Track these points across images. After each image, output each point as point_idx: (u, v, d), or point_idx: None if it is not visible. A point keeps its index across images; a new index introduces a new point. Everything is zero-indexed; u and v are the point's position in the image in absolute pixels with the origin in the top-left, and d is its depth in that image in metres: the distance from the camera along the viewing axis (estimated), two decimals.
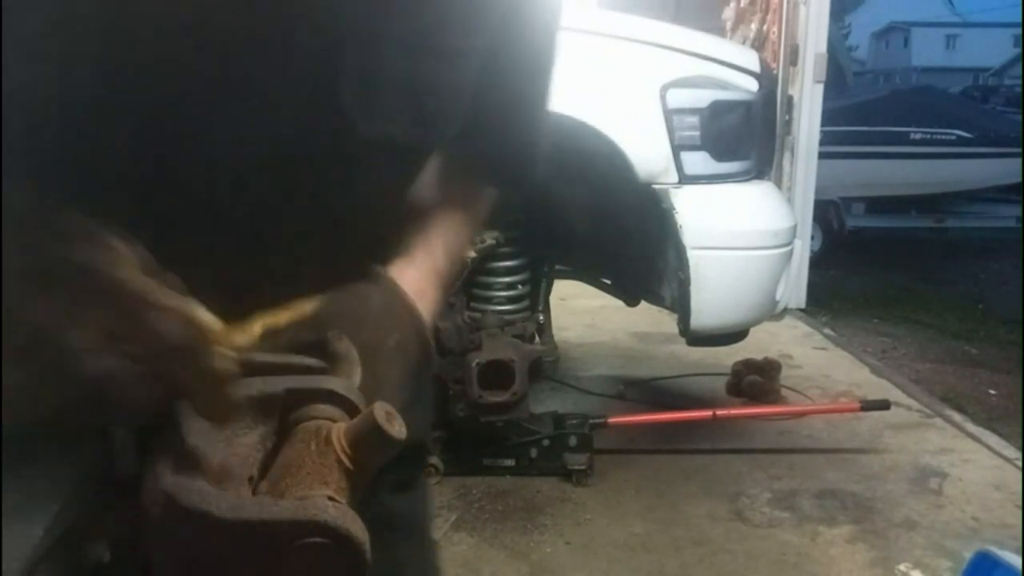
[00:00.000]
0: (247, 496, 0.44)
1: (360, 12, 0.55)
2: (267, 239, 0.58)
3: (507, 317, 2.68)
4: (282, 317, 0.51)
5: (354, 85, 0.55)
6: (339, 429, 0.46)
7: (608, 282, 3.12)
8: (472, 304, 2.69)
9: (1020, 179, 7.74)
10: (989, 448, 2.99)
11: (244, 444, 0.46)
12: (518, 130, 0.74)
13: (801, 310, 4.94)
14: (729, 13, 5.49)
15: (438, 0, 0.59)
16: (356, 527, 0.43)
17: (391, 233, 0.69)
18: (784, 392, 3.40)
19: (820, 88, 4.73)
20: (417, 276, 0.65)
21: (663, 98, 2.36)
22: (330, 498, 0.44)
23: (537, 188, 0.79)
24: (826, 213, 6.92)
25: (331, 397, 0.48)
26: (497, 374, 2.48)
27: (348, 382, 0.50)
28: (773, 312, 2.81)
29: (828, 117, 5.22)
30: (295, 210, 0.58)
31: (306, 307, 0.53)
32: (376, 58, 0.55)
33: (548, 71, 0.75)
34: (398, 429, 0.46)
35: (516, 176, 0.78)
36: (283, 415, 0.48)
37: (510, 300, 2.73)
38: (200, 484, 0.43)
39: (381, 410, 0.45)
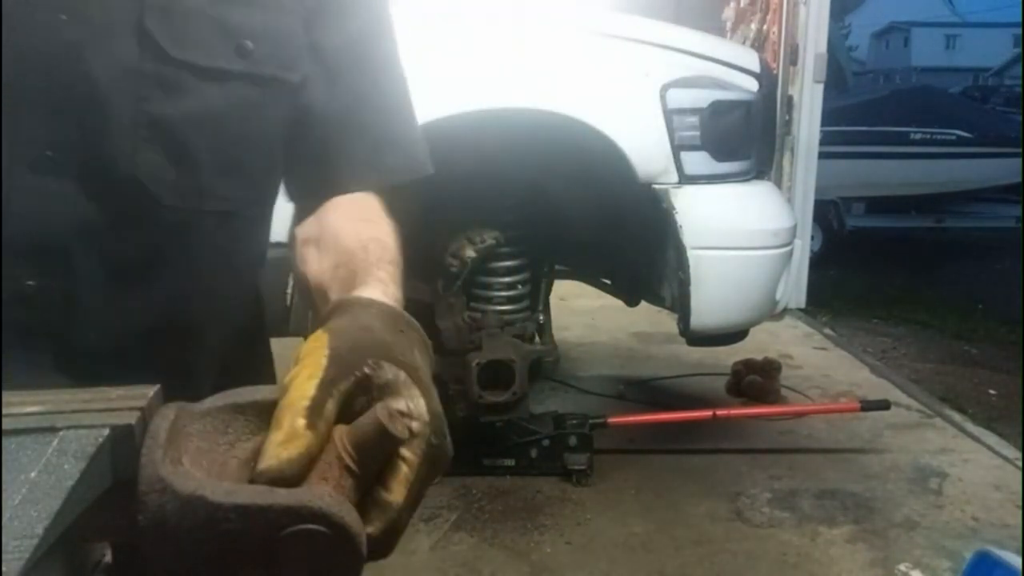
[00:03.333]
0: (244, 485, 0.44)
1: None
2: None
3: (507, 317, 2.69)
4: (305, 388, 0.46)
5: (158, 17, 0.60)
6: (340, 430, 0.46)
7: (608, 282, 3.13)
8: (472, 304, 2.69)
9: (1020, 179, 7.74)
10: (989, 448, 2.99)
11: (245, 448, 0.46)
12: (381, 109, 0.74)
13: (801, 310, 4.94)
14: (729, 13, 5.49)
15: None
16: (352, 517, 0.43)
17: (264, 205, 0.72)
18: (784, 392, 3.41)
19: (820, 88, 4.73)
20: (376, 292, 0.61)
21: (663, 98, 2.36)
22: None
23: (430, 170, 0.77)
24: (826, 213, 6.92)
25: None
26: (497, 374, 2.48)
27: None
28: (773, 312, 2.81)
29: (828, 117, 5.22)
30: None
31: (317, 359, 0.47)
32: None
33: (389, 46, 0.76)
34: (401, 428, 0.45)
35: (403, 160, 0.76)
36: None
37: (510, 300, 2.73)
38: (197, 473, 0.43)
39: (384, 410, 0.45)
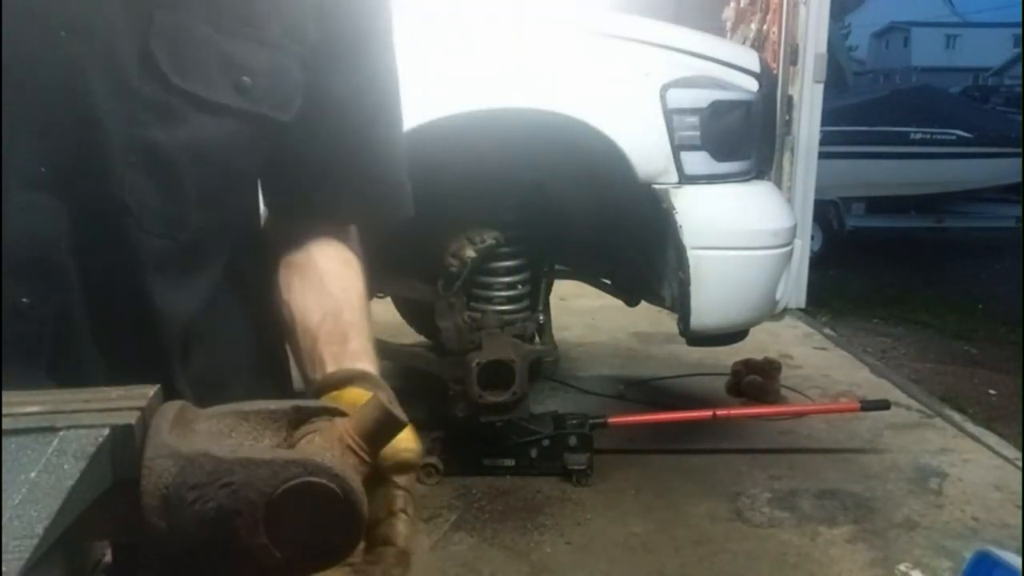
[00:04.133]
0: (248, 445, 0.45)
1: None
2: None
3: (507, 317, 2.69)
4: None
5: (163, 39, 0.60)
6: (344, 422, 0.47)
7: (608, 282, 3.13)
8: (472, 304, 2.69)
9: (1020, 179, 7.73)
10: (989, 448, 2.99)
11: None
12: (370, 157, 0.76)
13: (801, 310, 4.94)
14: (729, 13, 5.49)
15: None
16: (352, 475, 0.44)
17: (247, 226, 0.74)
18: (784, 392, 3.40)
19: (820, 88, 4.73)
20: (368, 359, 0.70)
21: (663, 98, 2.36)
22: None
23: (409, 211, 0.80)
24: (826, 213, 6.91)
25: (340, 412, 0.49)
26: (497, 374, 2.48)
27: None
28: (773, 312, 2.81)
29: (828, 117, 5.21)
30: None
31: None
32: (184, 21, 0.61)
33: (392, 92, 0.77)
34: (401, 412, 0.47)
35: (384, 205, 0.79)
36: (289, 429, 0.48)
37: (510, 300, 2.73)
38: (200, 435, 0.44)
39: (383, 396, 0.47)
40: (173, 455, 0.42)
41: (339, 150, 0.73)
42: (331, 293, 0.72)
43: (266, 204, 0.77)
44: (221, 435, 0.46)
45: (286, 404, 0.48)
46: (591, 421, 2.70)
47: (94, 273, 0.61)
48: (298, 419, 0.48)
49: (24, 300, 0.59)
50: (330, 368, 0.67)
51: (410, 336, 3.42)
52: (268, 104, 0.66)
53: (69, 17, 0.57)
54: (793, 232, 2.67)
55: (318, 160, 0.73)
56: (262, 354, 0.77)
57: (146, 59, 0.59)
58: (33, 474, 0.38)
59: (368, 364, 0.68)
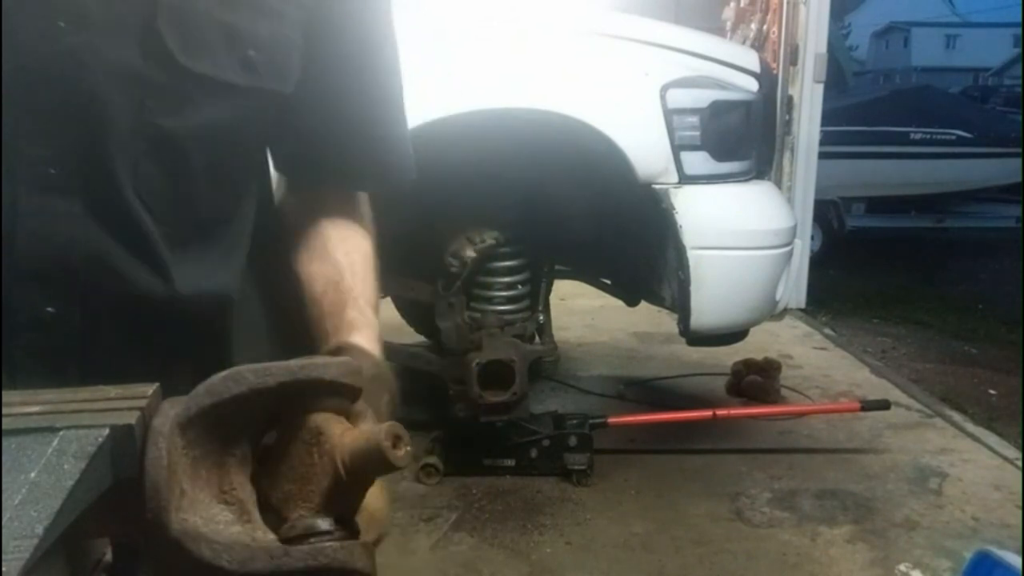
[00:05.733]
0: (258, 539, 0.44)
1: None
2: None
3: (507, 317, 2.69)
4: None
5: (171, 18, 0.58)
6: (342, 446, 0.46)
7: (608, 282, 3.12)
8: (472, 304, 2.69)
9: (1020, 179, 7.73)
10: (989, 448, 2.99)
11: (239, 446, 0.46)
12: (373, 120, 0.75)
13: (801, 310, 4.94)
14: (729, 13, 5.49)
15: None
16: (363, 561, 0.44)
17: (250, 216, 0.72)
18: (784, 392, 3.41)
19: (820, 88, 4.73)
20: (366, 339, 0.69)
21: (663, 98, 2.36)
22: (337, 522, 0.45)
23: (413, 182, 0.79)
24: (826, 213, 6.91)
25: (330, 388, 0.47)
26: (497, 374, 2.48)
27: (343, 365, 0.48)
28: (773, 312, 2.81)
29: (828, 117, 5.21)
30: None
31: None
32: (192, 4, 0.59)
33: (389, 50, 0.76)
34: (403, 454, 0.45)
35: (389, 170, 0.78)
36: (281, 409, 0.47)
37: (510, 300, 2.73)
38: (208, 531, 0.43)
39: (389, 434, 0.45)
40: (180, 555, 0.42)
41: (339, 115, 0.72)
42: (333, 259, 0.72)
43: (273, 163, 0.76)
44: (208, 436, 0.44)
45: (268, 380, 0.45)
46: (591, 421, 2.70)
47: (112, 273, 0.59)
48: (286, 397, 0.46)
49: (49, 309, 0.57)
50: (330, 341, 0.67)
51: (410, 336, 3.42)
52: (272, 78, 0.65)
53: (65, 4, 0.55)
54: (793, 232, 2.67)
55: (319, 126, 0.72)
56: (281, 333, 0.76)
57: (151, 37, 0.57)
58: (33, 474, 0.38)
59: (362, 332, 0.67)
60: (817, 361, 4.00)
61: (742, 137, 2.50)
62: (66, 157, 0.56)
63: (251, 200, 0.71)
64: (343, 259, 0.72)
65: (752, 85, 2.54)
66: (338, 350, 0.64)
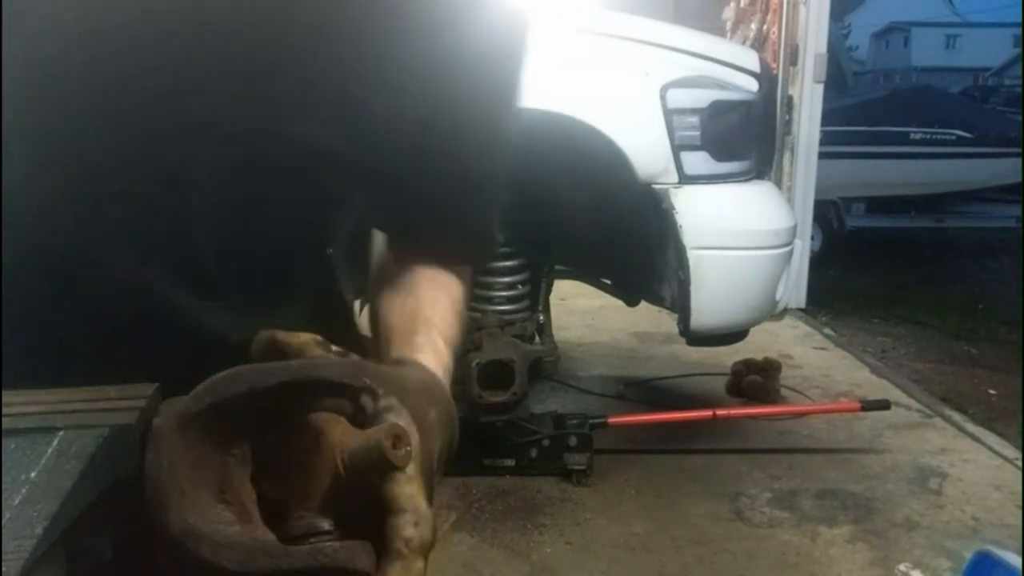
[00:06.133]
0: (258, 539, 0.44)
1: (309, 32, 0.58)
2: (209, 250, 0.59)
3: (507, 317, 2.69)
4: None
5: (291, 92, 0.58)
6: (342, 446, 0.46)
7: (608, 282, 3.13)
8: (472, 304, 2.69)
9: (1020, 179, 7.74)
10: (989, 448, 2.99)
11: (239, 446, 0.46)
12: (471, 197, 0.73)
13: (801, 310, 4.94)
14: (729, 13, 5.49)
15: (381, 34, 0.62)
16: (364, 561, 0.45)
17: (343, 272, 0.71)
18: (784, 392, 3.41)
19: (820, 88, 4.73)
20: (429, 361, 0.64)
21: (663, 98, 2.36)
22: (336, 522, 0.45)
23: (493, 249, 0.78)
24: (826, 213, 6.91)
25: (331, 388, 0.46)
26: (497, 374, 2.48)
27: (344, 365, 0.48)
28: (773, 312, 2.81)
29: (828, 117, 5.22)
30: (241, 219, 0.60)
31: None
32: (315, 73, 0.59)
33: (502, 141, 0.75)
34: (403, 454, 0.45)
35: (475, 247, 0.77)
36: (281, 408, 0.46)
37: (510, 300, 2.73)
38: (208, 531, 0.43)
39: (389, 434, 0.44)
40: (183, 556, 0.42)
41: (431, 183, 0.69)
42: (417, 294, 0.68)
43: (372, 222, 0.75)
44: (207, 437, 0.44)
45: (269, 380, 0.45)
46: (591, 421, 2.70)
47: (174, 312, 0.59)
48: (286, 397, 0.45)
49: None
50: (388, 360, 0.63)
51: None
52: (378, 153, 0.63)
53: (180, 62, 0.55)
54: (793, 232, 2.67)
55: (410, 193, 0.69)
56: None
57: (261, 106, 0.57)
58: (33, 474, 0.38)
59: (425, 355, 0.62)
60: (817, 361, 4.00)
61: (742, 137, 2.50)
62: (148, 211, 0.57)
63: (323, 259, 0.70)
64: (426, 294, 0.68)
65: (752, 85, 2.54)
66: (394, 363, 0.60)
